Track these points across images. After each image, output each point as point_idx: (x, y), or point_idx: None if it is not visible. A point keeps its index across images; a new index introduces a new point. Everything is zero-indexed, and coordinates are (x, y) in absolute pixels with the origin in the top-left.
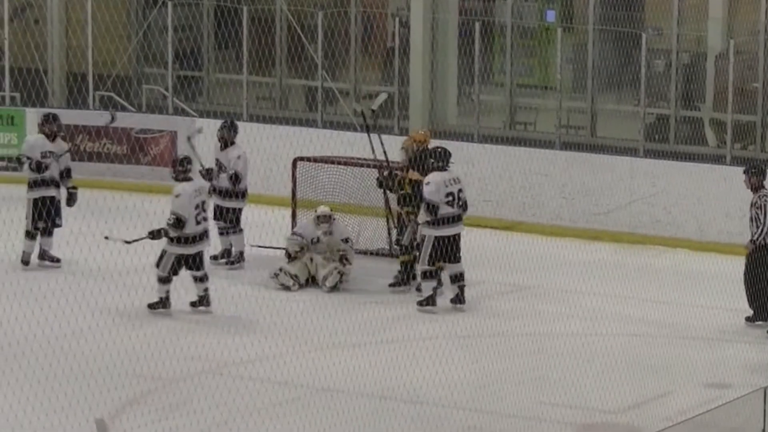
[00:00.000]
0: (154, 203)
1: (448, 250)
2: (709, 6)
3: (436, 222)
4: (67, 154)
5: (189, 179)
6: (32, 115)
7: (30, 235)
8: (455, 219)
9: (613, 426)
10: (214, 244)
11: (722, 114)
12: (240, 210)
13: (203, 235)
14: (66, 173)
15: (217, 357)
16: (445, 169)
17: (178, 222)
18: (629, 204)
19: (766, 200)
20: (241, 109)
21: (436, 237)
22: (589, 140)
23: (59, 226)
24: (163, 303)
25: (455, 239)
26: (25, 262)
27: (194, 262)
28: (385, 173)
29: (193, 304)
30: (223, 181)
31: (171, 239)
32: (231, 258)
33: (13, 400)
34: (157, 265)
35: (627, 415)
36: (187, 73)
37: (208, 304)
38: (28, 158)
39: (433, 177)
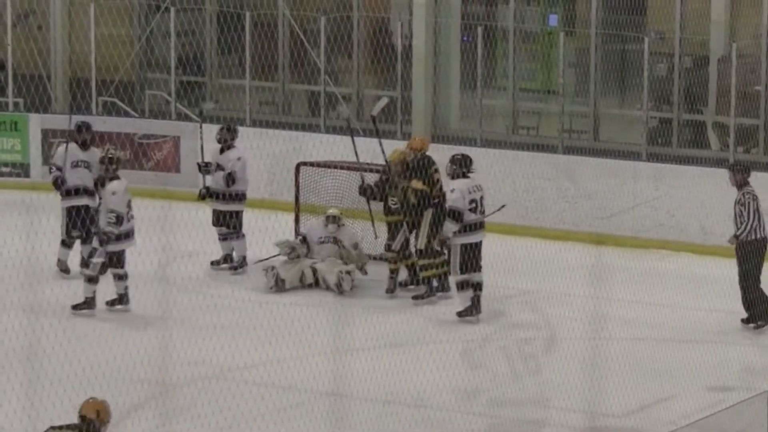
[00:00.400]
0: (158, 208)
1: (470, 257)
2: (711, 9)
3: (461, 229)
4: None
5: (117, 177)
6: (35, 121)
7: (65, 243)
8: (478, 226)
9: (617, 430)
10: (215, 250)
11: (725, 117)
12: (240, 214)
13: (131, 233)
14: (100, 182)
15: (220, 362)
16: (468, 176)
17: (119, 219)
18: (632, 208)
19: (749, 198)
20: (244, 114)
21: (462, 245)
22: (592, 144)
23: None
24: (89, 303)
25: (478, 247)
26: (64, 270)
27: (118, 260)
28: (383, 178)
29: (111, 303)
30: (219, 182)
31: (100, 238)
32: (234, 263)
33: (17, 406)
34: (87, 265)
35: (631, 418)
36: (190, 78)
37: (127, 302)
38: (57, 168)
39: (458, 184)
